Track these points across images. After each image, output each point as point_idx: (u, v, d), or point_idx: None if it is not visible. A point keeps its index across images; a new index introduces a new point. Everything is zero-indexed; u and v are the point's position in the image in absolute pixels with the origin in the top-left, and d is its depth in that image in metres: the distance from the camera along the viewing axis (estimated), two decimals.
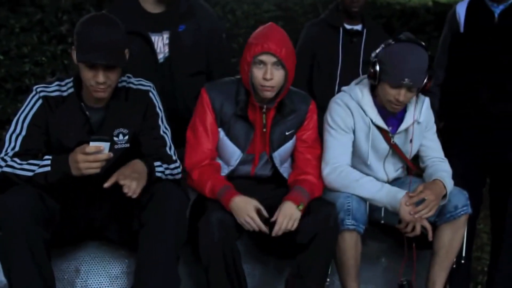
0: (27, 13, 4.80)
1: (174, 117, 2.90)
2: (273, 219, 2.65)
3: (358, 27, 3.60)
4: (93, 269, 2.77)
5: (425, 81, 2.86)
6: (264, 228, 2.64)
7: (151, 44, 3.10)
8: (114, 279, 2.78)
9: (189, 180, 2.80)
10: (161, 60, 3.12)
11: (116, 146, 2.65)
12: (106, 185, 2.43)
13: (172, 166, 2.67)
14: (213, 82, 2.92)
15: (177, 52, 3.11)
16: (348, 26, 3.58)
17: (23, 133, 2.56)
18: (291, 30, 4.03)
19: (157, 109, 2.74)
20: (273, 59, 2.67)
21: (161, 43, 3.12)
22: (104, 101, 2.64)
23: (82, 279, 2.75)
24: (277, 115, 2.84)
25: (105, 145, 2.40)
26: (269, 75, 2.67)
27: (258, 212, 2.64)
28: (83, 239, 2.74)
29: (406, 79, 2.78)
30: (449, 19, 3.45)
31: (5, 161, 2.50)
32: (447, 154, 3.19)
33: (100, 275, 2.77)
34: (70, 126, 2.60)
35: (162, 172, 2.61)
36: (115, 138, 2.65)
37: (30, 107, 2.60)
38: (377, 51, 2.91)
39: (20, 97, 4.66)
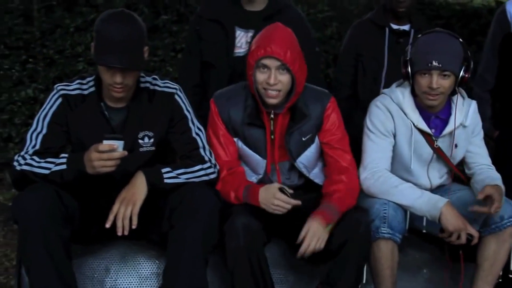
0: (81, 13, 4.88)
1: None
2: (299, 239, 2.55)
3: (406, 27, 3.45)
4: (123, 269, 2.75)
5: (461, 72, 2.72)
6: (294, 201, 2.55)
7: (232, 38, 3.17)
8: (144, 279, 2.75)
9: None
10: (239, 54, 3.16)
11: (141, 149, 2.64)
12: (107, 225, 2.44)
13: (197, 167, 2.61)
14: (222, 90, 2.82)
15: None
16: (394, 26, 3.43)
17: (44, 131, 2.57)
18: (345, 31, 3.94)
19: (185, 112, 2.70)
20: (277, 63, 2.55)
21: (244, 39, 3.19)
22: (125, 101, 2.62)
23: (112, 278, 2.73)
24: (290, 122, 2.71)
25: (119, 144, 2.39)
26: (272, 80, 2.55)
27: (282, 191, 2.55)
28: (111, 237, 2.71)
29: (434, 62, 2.67)
30: (498, 19, 3.30)
31: (24, 159, 2.51)
32: (502, 164, 3.03)
33: (130, 275, 2.74)
34: (91, 125, 2.60)
35: (175, 177, 2.54)
36: (140, 141, 2.63)
37: (50, 105, 2.61)
38: (406, 50, 2.80)
39: None
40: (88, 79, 2.66)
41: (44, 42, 4.85)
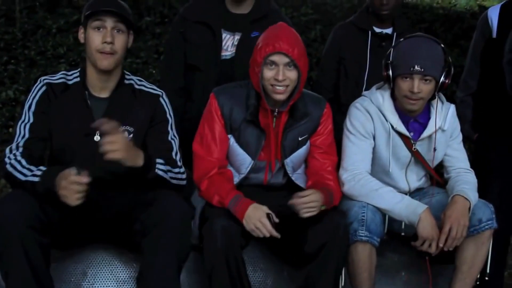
0: (64, 14, 4.85)
1: None
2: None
3: (388, 30, 3.44)
4: (100, 273, 2.72)
5: (442, 77, 2.73)
6: (275, 233, 2.53)
7: (219, 40, 3.14)
8: (121, 283, 2.72)
9: (199, 191, 2.73)
10: (225, 57, 3.14)
11: None
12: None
13: (176, 170, 2.60)
14: (222, 86, 2.82)
15: (242, 56, 3.07)
16: (377, 29, 3.42)
17: (30, 120, 2.57)
18: (329, 34, 3.98)
19: (168, 115, 2.70)
20: (286, 60, 2.57)
21: (230, 42, 3.16)
22: (109, 88, 2.62)
23: (89, 282, 2.71)
24: (290, 119, 2.73)
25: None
26: (281, 76, 2.57)
27: (268, 217, 2.54)
28: (90, 242, 2.70)
29: (416, 66, 2.67)
30: (481, 24, 3.31)
31: (14, 156, 2.48)
32: (481, 168, 3.04)
33: (107, 279, 2.72)
34: (73, 113, 2.59)
35: (164, 171, 2.53)
36: None
37: (34, 95, 2.61)
38: (387, 53, 2.80)
39: None
40: (73, 71, 2.68)
41: (26, 43, 4.82)
